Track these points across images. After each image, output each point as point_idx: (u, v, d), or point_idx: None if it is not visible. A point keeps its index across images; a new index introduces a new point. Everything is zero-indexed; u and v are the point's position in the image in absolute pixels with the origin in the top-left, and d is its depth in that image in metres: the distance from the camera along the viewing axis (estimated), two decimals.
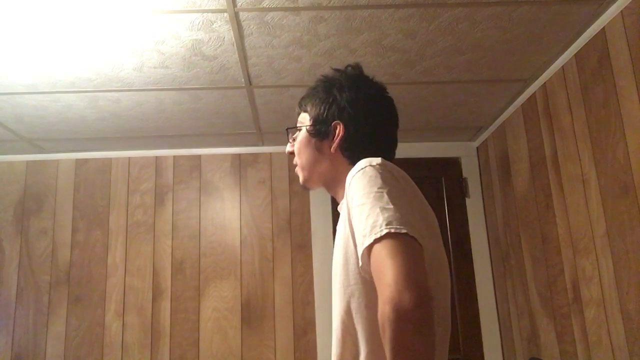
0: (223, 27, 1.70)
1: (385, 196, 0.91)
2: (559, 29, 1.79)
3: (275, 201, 2.85)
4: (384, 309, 0.79)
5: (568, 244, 2.00)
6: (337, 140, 1.13)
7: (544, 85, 2.14)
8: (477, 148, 2.98)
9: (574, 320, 1.99)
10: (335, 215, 3.12)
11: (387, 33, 1.77)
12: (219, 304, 2.70)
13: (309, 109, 1.19)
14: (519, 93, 2.32)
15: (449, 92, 2.29)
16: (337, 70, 1.20)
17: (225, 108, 2.36)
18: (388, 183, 0.94)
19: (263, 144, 2.88)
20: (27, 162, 2.85)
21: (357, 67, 1.20)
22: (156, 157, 2.88)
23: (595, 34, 1.75)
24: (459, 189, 2.94)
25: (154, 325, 2.67)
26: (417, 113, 2.52)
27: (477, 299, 2.81)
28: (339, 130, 1.13)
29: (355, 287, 0.96)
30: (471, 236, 2.88)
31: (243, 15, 1.64)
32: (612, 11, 1.65)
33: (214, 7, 1.59)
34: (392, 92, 2.39)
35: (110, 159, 2.87)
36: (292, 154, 1.24)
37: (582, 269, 1.91)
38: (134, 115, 2.40)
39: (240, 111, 2.40)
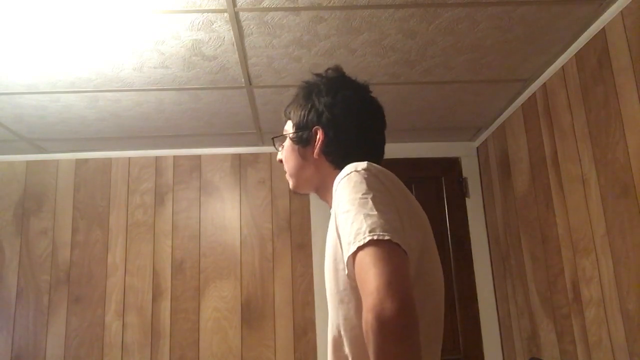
0: (223, 27, 1.70)
1: (370, 202, 0.90)
2: (559, 29, 1.79)
3: (275, 201, 2.85)
4: (367, 317, 0.79)
5: (568, 244, 2.00)
6: (318, 146, 1.13)
7: (544, 85, 2.14)
8: (477, 148, 2.98)
9: (574, 320, 1.99)
10: None
11: (387, 33, 1.77)
12: (219, 304, 2.70)
13: (292, 116, 1.20)
14: (519, 93, 2.32)
15: (449, 92, 2.29)
16: (317, 75, 1.20)
17: (225, 108, 2.36)
18: (373, 188, 0.93)
19: (263, 144, 2.88)
20: (27, 162, 2.85)
21: (336, 70, 1.19)
22: (156, 157, 2.88)
23: (595, 34, 1.75)
24: (459, 189, 2.94)
25: (154, 325, 2.67)
26: (417, 113, 2.52)
27: (477, 299, 2.81)
28: (319, 135, 1.13)
29: (344, 294, 0.96)
30: (471, 236, 2.88)
31: (243, 15, 1.64)
32: (612, 11, 1.65)
33: (214, 7, 1.59)
34: (392, 92, 2.39)
35: (110, 159, 2.87)
36: (282, 162, 1.24)
37: (582, 269, 1.91)
38: (134, 115, 2.40)
39: (240, 111, 2.40)
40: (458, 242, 2.87)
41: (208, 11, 1.61)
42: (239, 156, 2.90)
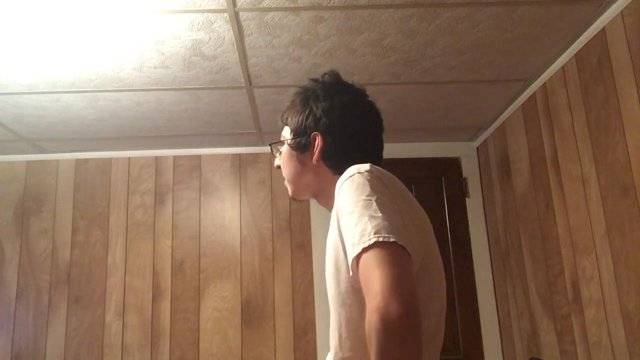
0: (223, 27, 1.70)
1: (374, 204, 0.90)
2: (559, 29, 1.79)
3: (275, 201, 2.85)
4: (371, 318, 0.79)
5: (568, 244, 2.00)
6: (317, 152, 1.12)
7: (544, 85, 2.14)
8: (477, 148, 2.98)
9: (574, 320, 1.99)
10: None
11: (387, 33, 1.77)
12: (219, 304, 2.70)
13: (289, 122, 1.19)
14: (519, 93, 2.32)
15: (449, 92, 2.29)
16: (313, 80, 1.20)
17: (225, 108, 2.36)
18: (376, 190, 0.93)
19: (263, 144, 2.88)
20: (27, 162, 2.85)
21: (332, 75, 1.19)
22: (156, 157, 2.88)
23: (595, 34, 1.75)
24: (459, 189, 2.94)
25: (154, 325, 2.67)
26: (417, 113, 2.52)
27: (477, 299, 2.81)
28: (318, 141, 1.12)
29: (347, 296, 0.96)
30: (471, 236, 2.88)
31: (243, 15, 1.64)
32: (612, 11, 1.65)
33: (214, 7, 1.59)
34: (392, 92, 2.39)
35: (110, 159, 2.87)
36: (279, 167, 1.24)
37: (582, 269, 1.91)
38: (134, 115, 2.40)
39: (240, 111, 2.40)
40: (458, 242, 2.87)
41: (208, 11, 1.61)
42: (239, 156, 2.90)
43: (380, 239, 0.84)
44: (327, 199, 1.16)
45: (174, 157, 2.89)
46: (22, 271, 2.72)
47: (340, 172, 1.05)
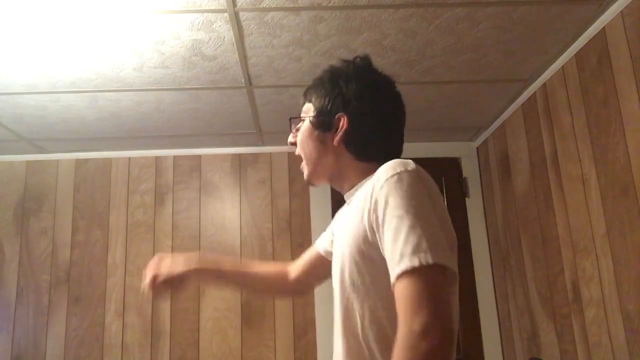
0: (223, 27, 1.70)
1: (425, 215, 0.89)
2: (559, 29, 1.79)
3: (275, 201, 2.85)
4: (410, 337, 0.80)
5: (568, 244, 2.00)
6: (340, 134, 1.09)
7: (544, 85, 2.14)
8: (477, 148, 2.98)
9: (574, 320, 1.99)
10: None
11: (387, 33, 1.77)
12: (219, 304, 2.70)
13: (313, 99, 1.15)
14: (519, 93, 2.32)
15: (449, 92, 2.29)
16: (344, 61, 1.15)
17: (225, 108, 2.36)
18: (425, 197, 0.92)
19: (263, 144, 2.88)
20: (27, 162, 2.85)
21: (365, 59, 1.15)
22: (156, 157, 2.88)
23: (595, 34, 1.75)
24: (459, 189, 2.94)
25: (154, 325, 2.67)
26: (417, 113, 2.52)
27: (477, 299, 2.81)
28: (343, 122, 1.09)
29: (371, 287, 0.96)
30: (471, 236, 2.88)
31: (243, 15, 1.64)
32: (612, 11, 1.65)
33: (214, 7, 1.59)
34: None
35: (110, 159, 2.87)
36: (293, 144, 1.20)
37: (582, 269, 1.91)
38: (134, 115, 2.40)
39: (240, 111, 2.40)
40: (458, 242, 2.86)
41: (208, 11, 1.61)
42: (239, 156, 2.90)
43: (433, 262, 0.84)
44: (342, 183, 1.14)
45: (174, 157, 2.89)
46: (22, 271, 2.72)
47: (362, 159, 1.04)
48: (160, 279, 1.31)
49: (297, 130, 1.19)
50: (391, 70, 2.04)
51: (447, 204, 2.92)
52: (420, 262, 0.84)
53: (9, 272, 2.71)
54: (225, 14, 1.63)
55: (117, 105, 2.28)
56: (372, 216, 0.94)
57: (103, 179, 2.85)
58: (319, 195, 2.85)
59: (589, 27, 1.78)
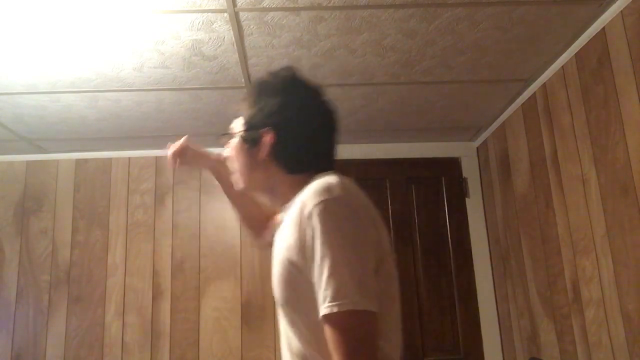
0: (223, 27, 1.70)
1: (349, 253, 0.90)
2: (559, 29, 1.79)
3: None
4: None
5: (568, 244, 2.00)
6: (267, 148, 1.08)
7: (544, 85, 2.14)
8: (477, 148, 2.98)
9: (574, 320, 1.99)
10: None
11: (387, 33, 1.77)
12: (219, 304, 2.70)
13: (243, 113, 1.16)
14: (519, 93, 2.32)
15: (449, 92, 2.29)
16: (271, 73, 1.15)
17: (225, 108, 2.36)
18: (352, 227, 0.92)
19: None
20: (27, 162, 2.85)
21: (289, 70, 1.14)
22: (156, 157, 2.88)
23: (595, 34, 1.75)
24: (459, 189, 2.94)
25: (154, 325, 2.67)
26: (417, 113, 2.52)
27: (477, 299, 2.81)
28: (269, 137, 1.08)
29: (299, 306, 0.97)
30: (471, 236, 2.88)
31: (243, 15, 1.64)
32: (612, 11, 1.65)
33: (214, 7, 1.59)
34: (392, 92, 2.38)
35: (110, 159, 2.87)
36: (227, 159, 1.21)
37: (582, 269, 1.91)
38: (134, 115, 2.40)
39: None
40: (458, 242, 2.87)
41: (208, 11, 1.61)
42: None
43: (352, 308, 0.86)
44: (276, 197, 1.14)
45: None
46: (22, 271, 2.72)
47: (291, 172, 1.05)
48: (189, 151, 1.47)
49: (230, 145, 1.20)
50: (391, 70, 2.04)
51: (447, 204, 2.92)
52: (339, 309, 0.86)
53: (9, 272, 2.71)
54: (225, 14, 1.63)
55: (117, 105, 2.28)
56: (301, 246, 0.94)
57: (103, 179, 2.85)
58: None
59: (589, 27, 1.78)
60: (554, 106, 2.07)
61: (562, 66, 1.98)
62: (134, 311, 2.68)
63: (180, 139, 1.48)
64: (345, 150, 3.11)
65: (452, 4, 1.61)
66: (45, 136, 2.61)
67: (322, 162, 1.08)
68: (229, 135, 1.19)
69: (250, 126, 1.12)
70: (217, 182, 1.50)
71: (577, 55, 1.88)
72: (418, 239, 2.86)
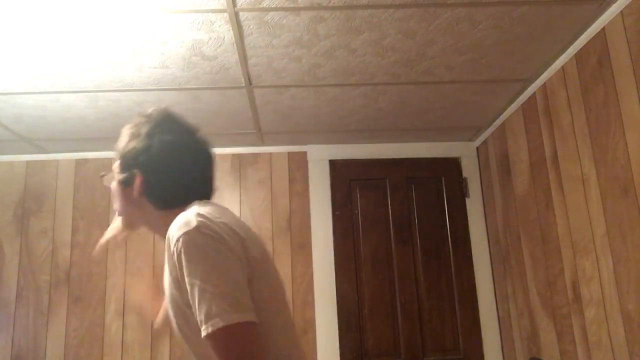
0: (223, 27, 1.70)
1: (212, 275, 0.97)
2: (559, 29, 1.79)
3: (275, 201, 2.85)
4: None
5: (568, 244, 2.00)
6: (136, 188, 1.16)
7: (544, 85, 2.14)
8: (477, 148, 2.98)
9: (574, 320, 1.99)
10: (335, 216, 3.09)
11: (387, 33, 1.77)
12: None
13: (117, 156, 1.23)
14: (519, 93, 2.32)
15: (449, 92, 2.29)
16: (143, 115, 1.22)
17: (225, 108, 2.36)
18: (211, 251, 0.99)
19: (263, 144, 2.88)
20: (27, 162, 2.85)
21: (160, 112, 1.22)
22: None
23: (595, 34, 1.75)
24: (459, 189, 2.94)
25: (154, 325, 2.67)
26: (417, 113, 2.52)
27: (477, 299, 2.81)
28: (138, 178, 1.16)
29: (191, 331, 1.06)
30: (471, 236, 2.88)
31: (243, 15, 1.64)
32: (612, 11, 1.65)
33: (214, 7, 1.59)
34: (392, 92, 2.39)
35: (110, 159, 2.87)
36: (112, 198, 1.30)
37: (582, 269, 1.91)
38: (134, 116, 2.40)
39: (240, 111, 2.40)
40: (458, 242, 2.87)
41: (208, 11, 1.61)
42: (239, 156, 2.90)
43: (226, 323, 0.94)
44: (155, 231, 1.23)
45: None
46: (22, 271, 2.72)
47: (163, 207, 1.13)
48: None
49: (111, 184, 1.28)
50: (391, 70, 2.04)
51: (447, 204, 2.92)
52: (212, 328, 0.94)
53: (9, 272, 2.71)
54: (225, 14, 1.63)
55: (117, 105, 2.28)
56: (175, 280, 1.03)
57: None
58: (319, 195, 2.85)
59: (589, 27, 1.78)
60: (554, 106, 2.07)
61: (562, 66, 1.98)
62: (134, 311, 2.68)
63: None
64: (345, 150, 3.13)
65: (452, 4, 1.61)
66: (45, 136, 2.61)
67: (193, 196, 1.15)
68: (109, 176, 1.26)
69: (122, 168, 1.20)
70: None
71: (577, 55, 1.88)
72: (418, 239, 2.86)
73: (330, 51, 1.88)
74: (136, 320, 2.67)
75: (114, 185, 1.23)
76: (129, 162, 1.18)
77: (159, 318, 1.48)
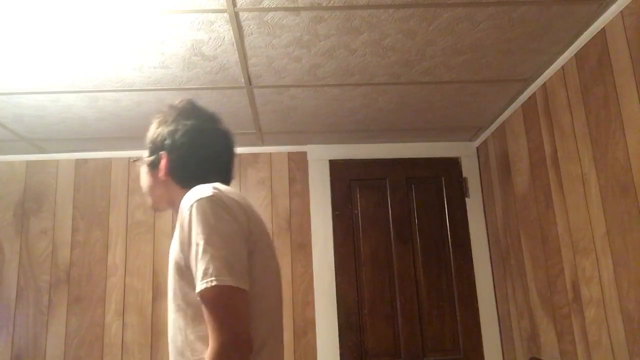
0: (223, 27, 1.70)
1: (216, 239, 1.06)
2: (559, 29, 1.79)
3: (275, 201, 2.85)
4: (212, 347, 1.01)
5: (568, 244, 2.00)
6: (162, 168, 1.29)
7: (544, 85, 2.14)
8: (477, 148, 2.98)
9: (574, 320, 1.99)
10: (335, 216, 3.09)
11: (387, 33, 1.77)
12: None
13: (146, 143, 1.37)
14: (519, 93, 2.33)
15: (449, 92, 2.29)
16: (170, 105, 1.37)
17: (225, 108, 2.36)
18: (219, 219, 1.09)
19: (263, 144, 2.88)
20: (27, 162, 2.85)
21: (185, 102, 1.36)
22: None
23: (595, 34, 1.75)
24: (459, 189, 2.94)
25: (154, 325, 2.67)
26: (417, 113, 2.52)
27: (477, 299, 2.81)
28: (163, 159, 1.29)
29: (182, 302, 1.15)
30: (471, 236, 2.88)
31: (243, 15, 1.64)
32: (612, 11, 1.65)
33: (214, 7, 1.59)
34: (392, 92, 2.39)
35: (110, 159, 2.87)
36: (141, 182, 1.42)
37: (582, 269, 1.91)
38: (134, 115, 2.40)
39: (240, 111, 2.40)
40: (458, 242, 2.87)
41: (208, 11, 1.61)
42: (239, 156, 2.90)
43: (221, 283, 1.03)
44: (177, 208, 1.31)
45: None
46: (22, 271, 2.72)
47: (187, 186, 1.21)
48: None
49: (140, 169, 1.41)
50: (391, 70, 2.04)
51: (447, 204, 2.92)
52: (206, 285, 1.03)
53: (9, 272, 2.71)
54: (225, 14, 1.63)
55: (117, 105, 2.28)
56: (182, 242, 1.12)
57: (103, 179, 2.85)
58: (319, 195, 2.85)
59: (589, 27, 1.78)
60: (554, 106, 2.07)
61: (562, 66, 1.98)
62: (134, 311, 2.68)
63: None
64: (345, 150, 3.13)
65: (452, 4, 1.61)
66: (45, 136, 2.61)
67: (213, 178, 1.24)
68: (139, 161, 1.40)
69: (150, 152, 1.34)
70: None
71: (577, 55, 1.88)
72: (418, 239, 2.86)
73: (330, 51, 1.88)
74: (136, 320, 2.67)
75: (143, 168, 1.37)
76: (157, 145, 1.32)
77: None
